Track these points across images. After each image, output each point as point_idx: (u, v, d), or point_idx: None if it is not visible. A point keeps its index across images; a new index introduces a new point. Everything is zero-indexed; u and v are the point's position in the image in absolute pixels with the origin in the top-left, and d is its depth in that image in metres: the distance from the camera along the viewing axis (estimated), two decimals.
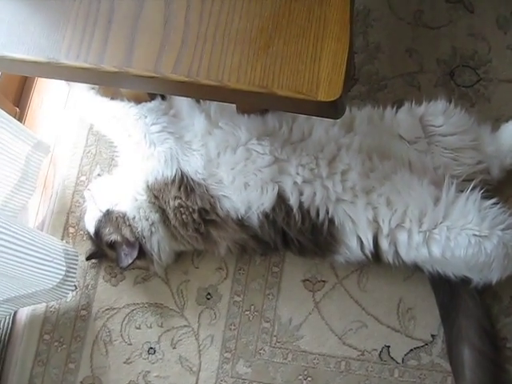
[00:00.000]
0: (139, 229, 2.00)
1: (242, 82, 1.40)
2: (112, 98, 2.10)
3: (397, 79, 2.28)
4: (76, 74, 1.47)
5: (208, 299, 2.13)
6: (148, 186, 1.99)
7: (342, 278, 2.10)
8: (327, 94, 1.38)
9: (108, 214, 2.02)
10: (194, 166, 1.95)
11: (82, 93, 2.13)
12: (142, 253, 2.03)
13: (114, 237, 2.01)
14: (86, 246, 2.21)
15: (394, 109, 2.06)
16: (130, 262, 2.00)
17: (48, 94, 2.40)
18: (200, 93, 1.47)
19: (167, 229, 2.02)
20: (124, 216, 2.00)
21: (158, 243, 2.03)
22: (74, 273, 2.06)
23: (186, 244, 2.06)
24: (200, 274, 2.16)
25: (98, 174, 2.27)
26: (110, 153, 2.29)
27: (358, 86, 2.30)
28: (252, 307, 2.10)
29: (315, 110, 1.44)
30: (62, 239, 2.21)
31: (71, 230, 2.25)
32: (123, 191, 2.04)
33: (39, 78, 2.40)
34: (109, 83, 1.55)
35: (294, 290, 2.10)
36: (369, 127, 2.02)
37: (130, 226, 2.00)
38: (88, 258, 2.18)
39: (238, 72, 1.40)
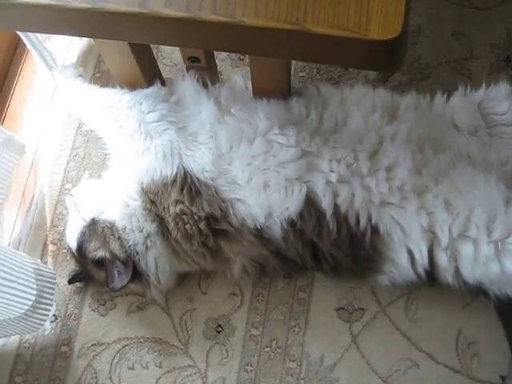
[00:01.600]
0: (131, 242, 1.53)
1: (263, 17, 0.94)
2: (102, 86, 1.65)
3: (443, 67, 1.93)
4: (35, 14, 1.01)
5: (218, 332, 1.70)
6: (142, 189, 1.53)
7: (386, 304, 1.69)
8: (382, 30, 0.94)
9: (93, 225, 1.56)
10: (201, 163, 1.50)
11: (69, 81, 1.69)
12: (137, 274, 1.55)
13: (101, 253, 1.55)
14: (70, 267, 1.74)
15: (445, 96, 1.61)
16: (124, 283, 1.53)
17: (31, 91, 1.98)
18: (203, 37, 1.01)
19: (167, 242, 1.55)
20: (112, 226, 1.54)
21: (156, 261, 1.56)
22: (50, 298, 1.59)
23: (190, 262, 1.59)
24: (208, 301, 1.73)
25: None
26: (101, 156, 1.85)
27: (396, 74, 1.91)
28: (273, 343, 1.68)
29: (364, 55, 0.98)
30: (40, 258, 1.73)
31: (52, 247, 1.79)
32: (112, 196, 1.59)
33: (21, 75, 1.96)
34: (79, 29, 1.09)
35: (326, 320, 1.69)
36: (416, 115, 1.58)
37: (119, 238, 1.54)
38: (71, 281, 1.72)
39: (257, 3, 0.95)
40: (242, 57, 1.90)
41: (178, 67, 1.90)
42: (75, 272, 1.70)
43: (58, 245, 1.78)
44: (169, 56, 1.94)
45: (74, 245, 1.59)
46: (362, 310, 1.65)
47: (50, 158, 1.87)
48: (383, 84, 1.83)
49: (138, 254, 1.53)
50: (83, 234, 1.56)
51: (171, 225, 1.51)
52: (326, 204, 1.45)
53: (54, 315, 1.71)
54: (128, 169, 1.56)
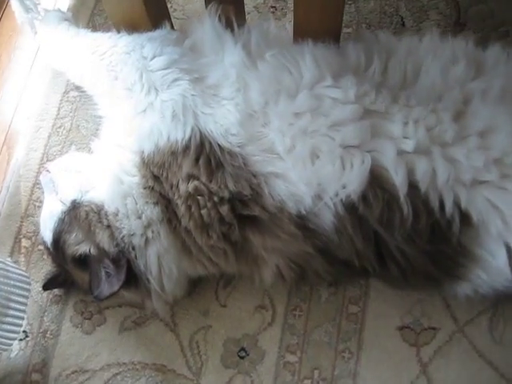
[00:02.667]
0: (125, 233, 1.09)
1: None
2: (93, 31, 1.22)
3: None
4: None
5: (241, 358, 1.25)
6: (143, 160, 1.09)
7: (465, 323, 1.24)
8: None
9: (74, 209, 1.12)
10: (224, 124, 1.08)
11: (53, 26, 1.26)
12: (132, 277, 1.11)
13: (84, 248, 1.11)
14: (47, 269, 1.28)
15: None
16: (114, 289, 1.09)
17: (8, 51, 1.54)
18: None
19: (174, 234, 1.11)
20: (100, 210, 1.11)
21: (159, 260, 1.12)
22: (21, 310, 1.14)
23: (205, 263, 1.14)
24: (229, 316, 1.28)
25: None
26: (93, 127, 1.40)
27: (466, 32, 1.46)
28: (316, 373, 1.23)
29: None
30: (9, 257, 1.29)
31: (25, 242, 1.34)
32: (100, 170, 1.15)
33: None
34: None
35: (386, 343, 1.24)
36: (510, 69, 1.12)
37: (108, 227, 1.10)
38: (46, 287, 1.27)
39: None
40: (272, 8, 1.47)
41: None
42: (52, 274, 1.25)
43: (33, 239, 1.34)
44: (181, 8, 1.51)
45: (49, 237, 1.15)
46: (434, 329, 1.21)
47: (27, 130, 1.44)
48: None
49: (134, 249, 1.08)
50: (61, 221, 1.12)
51: (181, 209, 1.06)
52: (398, 182, 1.01)
53: (23, 331, 1.26)
54: (123, 134, 1.12)
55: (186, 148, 1.06)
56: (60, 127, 1.42)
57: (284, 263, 1.12)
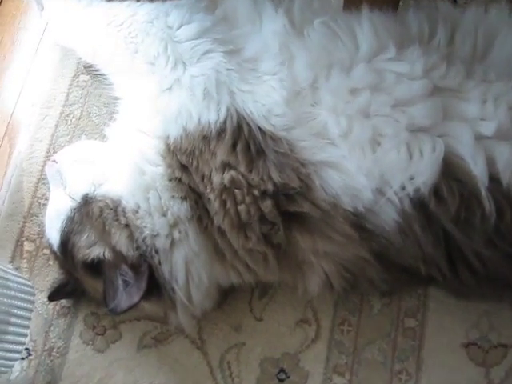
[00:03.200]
0: (147, 233, 0.90)
1: None
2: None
3: None
4: None
5: (281, 381, 1.06)
6: (168, 146, 0.91)
7: None
8: None
9: (86, 205, 0.93)
10: (266, 103, 0.90)
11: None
12: (154, 286, 0.92)
13: (98, 251, 0.92)
14: (53, 276, 1.09)
15: None
16: (133, 301, 0.90)
17: (11, 32, 1.36)
18: None
19: (205, 235, 0.92)
20: (117, 207, 0.92)
21: (187, 266, 0.93)
22: (23, 325, 0.97)
23: (241, 269, 0.96)
24: (265, 331, 1.09)
25: None
26: (106, 114, 1.20)
27: None
28: None
29: None
30: (10, 262, 1.11)
31: (28, 246, 1.16)
32: (117, 160, 0.96)
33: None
34: None
35: (449, 362, 1.04)
36: None
37: (127, 227, 0.91)
38: (52, 297, 1.08)
39: None
40: None
41: None
42: (59, 283, 1.06)
43: (38, 242, 1.15)
44: None
45: (55, 239, 0.96)
46: (504, 346, 1.02)
47: (32, 119, 1.25)
48: None
49: (157, 252, 0.90)
50: (70, 220, 0.93)
51: (214, 205, 0.88)
52: (477, 173, 0.82)
53: (26, 349, 1.07)
54: (145, 117, 0.94)
55: (221, 132, 0.87)
56: (69, 115, 1.23)
57: (335, 270, 0.93)
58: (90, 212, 0.91)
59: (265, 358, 1.05)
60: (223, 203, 0.88)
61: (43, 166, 1.20)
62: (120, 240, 0.89)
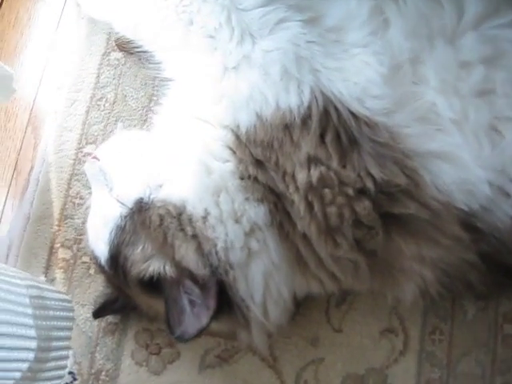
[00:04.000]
0: (220, 245, 0.73)
1: None
2: None
3: None
4: None
5: None
6: (238, 137, 0.74)
7: None
8: None
9: (140, 212, 0.76)
10: (359, 82, 0.73)
11: None
12: (226, 303, 0.75)
13: (157, 266, 0.75)
14: (96, 289, 0.94)
15: None
16: (203, 325, 0.74)
17: (27, 7, 1.17)
18: None
19: (288, 244, 0.76)
20: (180, 214, 0.75)
21: (265, 280, 0.76)
22: (64, 347, 0.83)
23: (325, 279, 0.80)
24: (346, 344, 0.94)
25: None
26: (144, 97, 1.03)
27: None
28: None
29: None
30: (44, 275, 0.95)
31: (63, 253, 0.99)
32: (176, 156, 0.78)
33: None
34: None
35: None
36: None
37: (195, 237, 0.74)
38: (97, 314, 0.93)
39: None
40: None
41: None
42: (106, 298, 0.91)
43: (75, 249, 0.98)
44: None
45: (103, 251, 0.80)
46: None
47: (58, 105, 1.07)
48: None
49: (232, 267, 0.74)
50: (121, 230, 0.77)
51: (299, 208, 0.72)
52: None
53: (70, 373, 0.92)
54: (206, 102, 0.77)
55: (306, 118, 0.71)
56: (101, 99, 1.05)
57: (434, 277, 0.78)
58: (146, 221, 0.74)
59: (347, 374, 0.90)
60: (309, 205, 0.72)
61: (75, 160, 1.03)
62: (187, 254, 0.72)
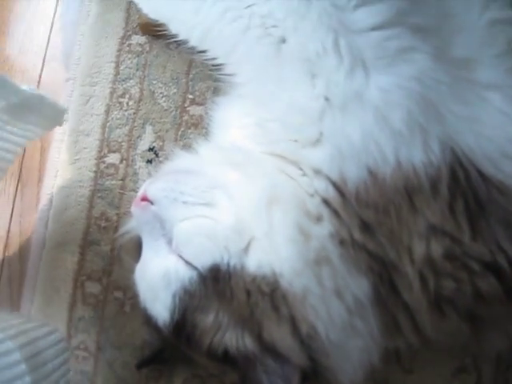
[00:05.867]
0: (320, 327, 0.60)
1: None
2: None
3: None
4: None
5: None
6: (342, 194, 0.59)
7: None
8: None
9: (217, 281, 0.61)
10: (495, 137, 0.59)
11: None
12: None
13: (234, 338, 0.61)
14: (133, 329, 0.81)
15: None
16: None
17: None
18: None
19: (384, 313, 0.63)
20: (274, 290, 0.59)
21: (362, 355, 0.64)
22: None
23: (415, 341, 0.68)
24: None
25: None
26: (178, 94, 0.86)
27: None
28: None
29: None
30: (69, 309, 0.81)
31: (91, 287, 0.84)
32: (257, 208, 0.62)
33: None
34: None
35: None
36: None
37: (290, 318, 0.59)
38: (142, 365, 0.79)
39: None
40: None
41: None
42: (154, 351, 0.77)
43: (104, 283, 0.82)
44: None
45: (162, 314, 0.64)
46: None
47: (69, 102, 0.86)
48: None
49: (331, 350, 0.61)
50: (189, 295, 0.62)
51: (413, 281, 0.59)
52: None
53: None
54: (295, 140, 0.61)
55: (435, 181, 0.57)
56: (123, 96, 0.86)
57: None
58: (226, 293, 0.60)
59: None
60: (423, 278, 0.61)
61: (96, 173, 0.85)
62: (283, 339, 0.59)
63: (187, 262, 0.63)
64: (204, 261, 0.61)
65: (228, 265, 0.61)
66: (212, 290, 0.61)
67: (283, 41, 0.60)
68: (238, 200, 0.63)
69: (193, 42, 0.67)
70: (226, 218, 0.62)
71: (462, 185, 0.58)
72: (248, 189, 0.63)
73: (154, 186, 0.67)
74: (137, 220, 0.68)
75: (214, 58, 0.68)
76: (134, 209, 0.68)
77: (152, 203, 0.65)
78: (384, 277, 0.61)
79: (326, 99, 0.59)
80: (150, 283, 0.66)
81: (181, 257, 0.64)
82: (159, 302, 0.65)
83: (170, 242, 0.65)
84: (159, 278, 0.65)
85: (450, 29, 0.60)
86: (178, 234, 0.63)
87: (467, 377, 0.83)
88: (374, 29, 0.58)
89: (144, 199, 0.66)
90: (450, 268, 0.59)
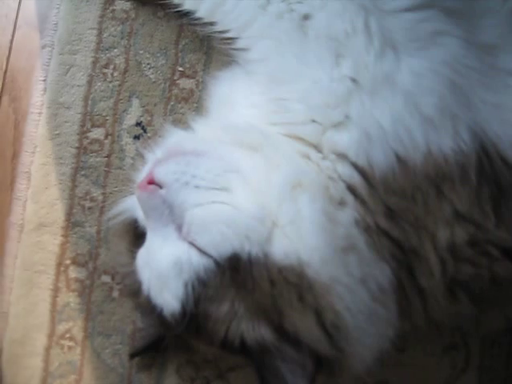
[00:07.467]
0: (346, 316, 0.58)
1: None
2: None
3: None
4: None
5: None
6: (368, 180, 0.57)
7: None
8: None
9: (237, 271, 0.58)
10: None
11: None
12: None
13: (251, 329, 0.59)
14: (123, 315, 0.77)
15: None
16: None
17: None
18: None
19: (401, 298, 0.62)
20: (301, 280, 0.57)
21: (379, 340, 0.64)
22: None
23: (422, 324, 0.68)
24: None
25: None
26: (166, 66, 0.80)
27: None
28: None
29: None
30: (54, 296, 0.75)
31: (76, 272, 0.78)
32: (278, 192, 0.59)
33: None
34: None
35: None
36: None
37: (317, 311, 0.57)
38: (136, 354, 0.75)
39: None
40: None
41: None
42: (148, 339, 0.72)
43: (91, 267, 0.77)
44: None
45: (171, 303, 0.61)
46: None
47: (47, 70, 0.79)
48: None
49: (352, 339, 0.60)
50: (203, 285, 0.59)
51: (433, 267, 0.58)
52: None
53: None
54: (317, 121, 0.58)
55: (464, 169, 0.56)
56: (107, 66, 0.79)
57: None
58: (248, 283, 0.57)
59: None
60: (442, 264, 0.61)
61: (79, 149, 0.78)
62: (308, 329, 0.57)
63: (201, 251, 0.60)
64: (222, 250, 0.58)
65: (249, 254, 0.57)
66: (229, 280, 0.58)
67: (307, 17, 0.56)
68: (256, 185, 0.59)
69: (200, 14, 0.62)
70: (246, 205, 0.58)
71: (487, 172, 0.57)
72: (268, 173, 0.60)
73: (162, 168, 0.62)
74: (143, 205, 0.62)
75: (223, 31, 0.64)
76: (139, 193, 0.62)
77: (160, 187, 0.62)
78: (403, 264, 0.61)
79: (354, 81, 0.56)
80: (157, 271, 0.62)
81: (193, 244, 0.60)
82: (168, 291, 0.61)
83: (179, 228, 0.61)
84: (169, 266, 0.61)
85: (476, 14, 0.59)
86: (191, 221, 0.59)
87: (456, 353, 0.86)
88: (407, 10, 0.56)
89: (151, 182, 0.62)
90: (470, 254, 0.60)
